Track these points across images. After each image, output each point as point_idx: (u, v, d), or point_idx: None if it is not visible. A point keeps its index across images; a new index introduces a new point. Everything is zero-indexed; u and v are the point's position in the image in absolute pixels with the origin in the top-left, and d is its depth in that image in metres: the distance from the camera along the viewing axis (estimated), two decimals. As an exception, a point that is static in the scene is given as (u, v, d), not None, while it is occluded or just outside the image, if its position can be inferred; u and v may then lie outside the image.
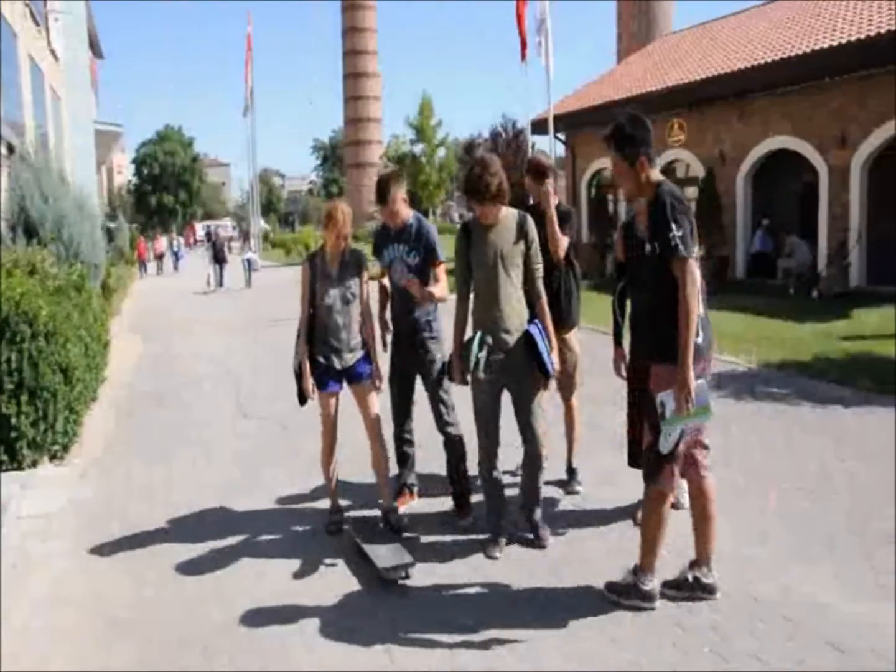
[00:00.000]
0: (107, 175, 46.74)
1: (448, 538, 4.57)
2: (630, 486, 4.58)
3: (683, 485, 4.28)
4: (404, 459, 5.13)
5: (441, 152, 27.41)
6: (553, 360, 4.23)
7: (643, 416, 3.67)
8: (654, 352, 3.57)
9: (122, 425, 7.66)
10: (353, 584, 4.08)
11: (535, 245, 4.29)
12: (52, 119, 15.99)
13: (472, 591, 3.92)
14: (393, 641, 3.49)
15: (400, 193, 4.69)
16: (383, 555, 4.12)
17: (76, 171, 13.98)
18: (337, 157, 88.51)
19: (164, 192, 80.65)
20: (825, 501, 4.78)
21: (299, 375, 4.63)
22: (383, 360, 4.82)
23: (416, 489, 5.18)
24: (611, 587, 3.71)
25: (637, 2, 26.89)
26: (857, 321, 11.47)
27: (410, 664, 3.33)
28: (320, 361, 4.60)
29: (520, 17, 15.57)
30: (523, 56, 15.73)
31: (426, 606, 3.80)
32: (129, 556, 4.55)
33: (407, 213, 4.75)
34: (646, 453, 3.62)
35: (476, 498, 4.81)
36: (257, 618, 3.77)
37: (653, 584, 3.62)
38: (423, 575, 4.08)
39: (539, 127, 18.82)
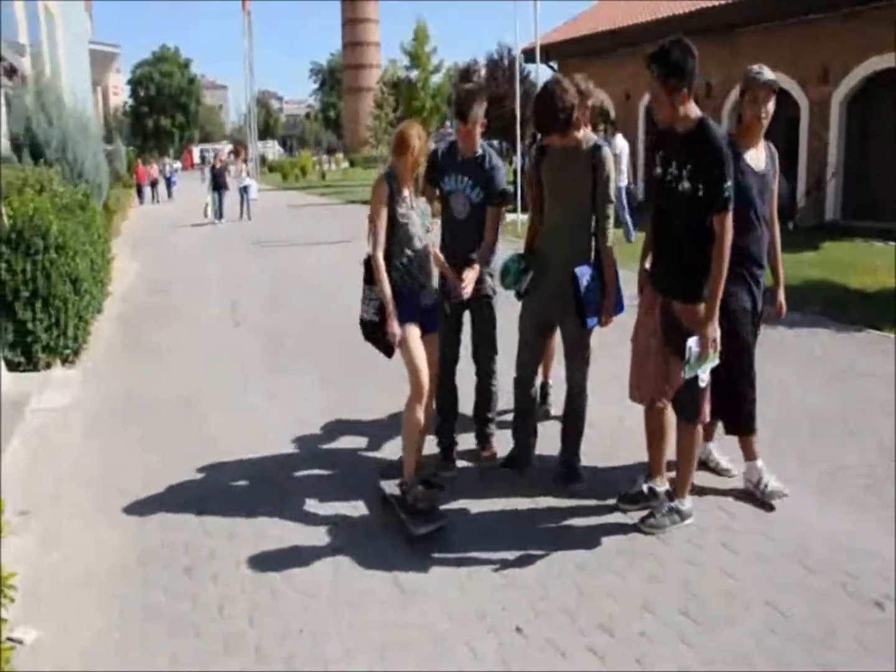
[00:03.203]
0: (102, 96, 46.34)
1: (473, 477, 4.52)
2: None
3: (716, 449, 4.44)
4: (454, 412, 4.63)
5: (436, 78, 27.41)
6: (605, 310, 4.02)
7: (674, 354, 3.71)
8: (686, 291, 3.63)
9: (126, 333, 8.34)
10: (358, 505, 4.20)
11: (606, 181, 3.92)
12: (47, 38, 15.73)
13: (491, 528, 3.88)
14: (400, 569, 3.55)
15: (481, 115, 4.19)
16: (415, 518, 3.85)
17: (74, 93, 14.20)
18: (335, 81, 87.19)
19: (161, 114, 79.73)
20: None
21: (376, 323, 3.89)
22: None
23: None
24: (647, 521, 3.83)
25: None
26: (825, 253, 12.02)
27: (416, 588, 3.41)
28: (405, 294, 3.90)
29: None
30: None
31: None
32: (135, 441, 5.22)
33: (479, 140, 4.31)
34: (685, 393, 3.71)
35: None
36: (250, 492, 4.46)
37: (690, 503, 3.89)
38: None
39: (532, 55, 18.99)
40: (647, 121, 20.30)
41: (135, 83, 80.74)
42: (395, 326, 3.80)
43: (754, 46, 15.62)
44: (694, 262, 3.60)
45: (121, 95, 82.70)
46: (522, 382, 4.38)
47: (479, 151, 4.32)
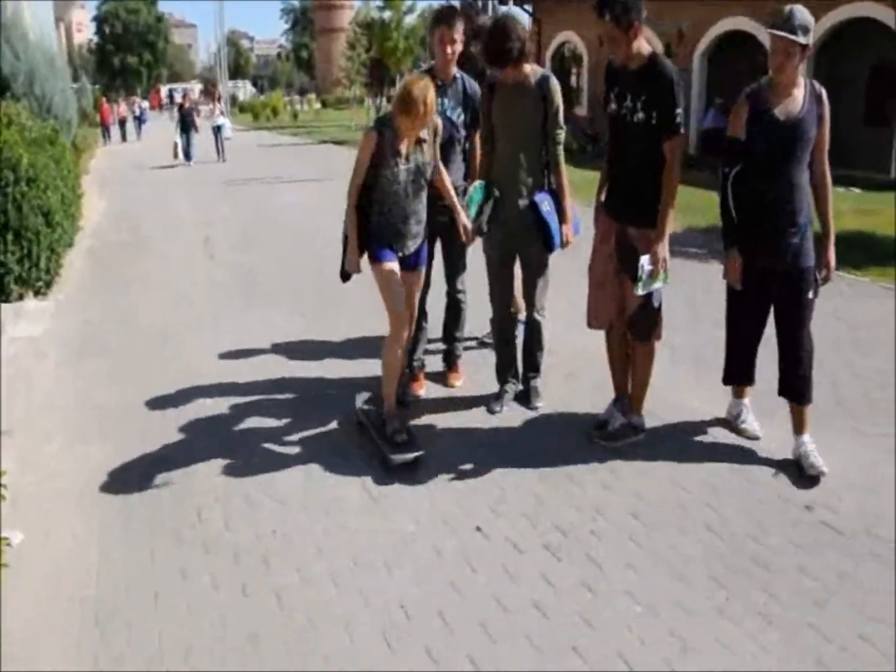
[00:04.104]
0: (66, 33, 44.98)
1: (440, 397, 4.70)
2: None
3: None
4: (421, 332, 4.78)
5: (409, 19, 26.99)
6: (564, 233, 4.18)
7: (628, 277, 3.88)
8: (640, 217, 3.81)
9: (97, 267, 8.40)
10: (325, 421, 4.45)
11: (555, 108, 4.13)
12: (7, -32, 15.38)
13: (457, 443, 4.09)
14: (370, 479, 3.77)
15: (461, 31, 4.38)
16: (393, 447, 3.91)
17: (41, 27, 13.84)
18: (308, 22, 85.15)
19: (128, 52, 77.57)
20: (693, 334, 5.57)
21: (346, 246, 4.04)
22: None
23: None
24: (606, 435, 4.09)
25: None
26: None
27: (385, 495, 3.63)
28: (382, 235, 3.96)
29: None
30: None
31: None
32: (108, 370, 5.34)
33: (454, 64, 4.50)
34: (639, 314, 3.92)
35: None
36: (222, 420, 4.62)
37: (643, 418, 4.16)
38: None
39: (507, -3, 18.82)
40: (621, 65, 20.28)
41: (100, 20, 78.32)
42: (351, 262, 3.97)
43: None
44: (648, 189, 3.78)
45: (85, 32, 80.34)
46: (501, 320, 4.53)
47: (456, 74, 4.50)
